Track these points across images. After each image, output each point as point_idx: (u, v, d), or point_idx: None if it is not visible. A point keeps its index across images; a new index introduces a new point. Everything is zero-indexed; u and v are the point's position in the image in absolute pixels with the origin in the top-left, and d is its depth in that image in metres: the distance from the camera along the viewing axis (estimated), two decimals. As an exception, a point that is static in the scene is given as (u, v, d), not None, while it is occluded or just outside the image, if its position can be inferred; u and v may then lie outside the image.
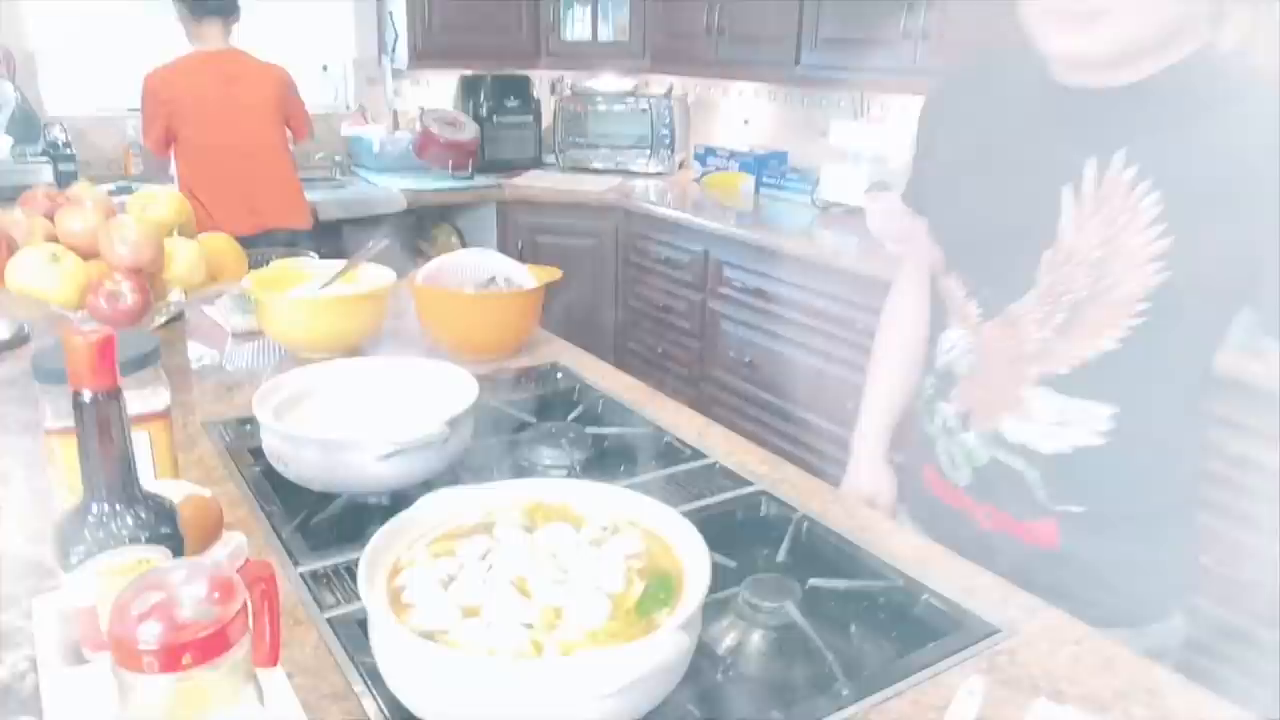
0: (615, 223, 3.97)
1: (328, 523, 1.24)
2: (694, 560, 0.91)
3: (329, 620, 1.00)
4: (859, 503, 1.36)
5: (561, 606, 0.84)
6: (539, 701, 0.75)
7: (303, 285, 1.81)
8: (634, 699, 0.78)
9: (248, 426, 1.46)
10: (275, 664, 0.81)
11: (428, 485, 1.15)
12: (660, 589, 0.87)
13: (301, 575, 1.09)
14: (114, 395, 0.79)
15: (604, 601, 0.84)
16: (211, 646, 0.67)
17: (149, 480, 1.12)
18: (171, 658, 0.65)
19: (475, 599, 0.85)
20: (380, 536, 0.92)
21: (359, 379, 1.41)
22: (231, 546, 0.81)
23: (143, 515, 0.83)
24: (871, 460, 1.48)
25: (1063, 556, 1.16)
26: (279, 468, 1.24)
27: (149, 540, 0.83)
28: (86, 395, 0.78)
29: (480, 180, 4.22)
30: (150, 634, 0.65)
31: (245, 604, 0.72)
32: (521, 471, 1.39)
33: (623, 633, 0.82)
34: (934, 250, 1.25)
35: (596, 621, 0.82)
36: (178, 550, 0.85)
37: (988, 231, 1.14)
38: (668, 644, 0.77)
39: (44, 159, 3.49)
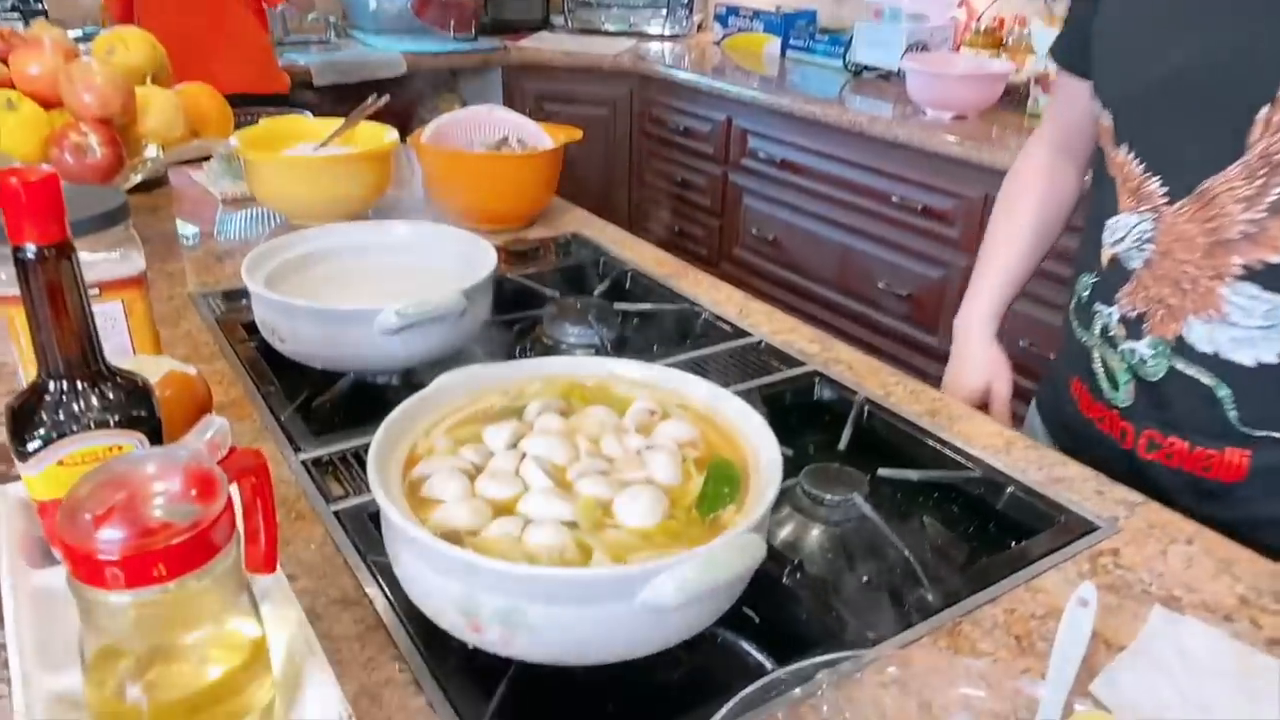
0: (629, 89, 3.72)
1: (332, 405, 1.11)
2: (759, 448, 0.77)
3: (336, 514, 0.89)
4: (962, 398, 1.20)
5: (609, 501, 0.72)
6: (589, 618, 0.63)
7: (296, 146, 1.63)
8: (699, 614, 0.67)
9: (244, 300, 1.31)
10: (273, 569, 0.69)
11: (441, 366, 1.02)
12: (722, 482, 0.75)
13: (304, 463, 0.97)
14: (63, 251, 0.64)
15: (658, 496, 0.72)
16: (191, 554, 0.55)
17: (126, 356, 0.98)
18: (140, 569, 0.53)
19: (507, 492, 0.72)
20: (394, 420, 0.78)
21: (363, 244, 1.26)
22: (211, 431, 0.68)
23: (110, 395, 0.69)
24: (983, 345, 1.27)
25: (1250, 494, 0.97)
26: (275, 343, 1.11)
27: (120, 424, 0.70)
28: (29, 251, 0.63)
29: (484, 43, 3.94)
30: (111, 540, 0.52)
31: (231, 501, 0.59)
32: (546, 352, 1.25)
33: (683, 534, 0.69)
34: (1100, 117, 1.03)
35: (651, 519, 0.70)
36: (155, 436, 0.71)
37: (1180, 88, 0.91)
38: (740, 549, 0.65)
39: (14, 14, 3.24)
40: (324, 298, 1.12)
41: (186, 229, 1.62)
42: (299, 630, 0.69)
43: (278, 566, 0.70)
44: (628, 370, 0.90)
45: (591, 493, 0.72)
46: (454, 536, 0.68)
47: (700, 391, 0.87)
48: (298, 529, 0.87)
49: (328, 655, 0.68)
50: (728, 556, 0.64)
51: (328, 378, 1.13)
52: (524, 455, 0.77)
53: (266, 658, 0.63)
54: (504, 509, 0.71)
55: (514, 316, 1.31)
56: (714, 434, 0.82)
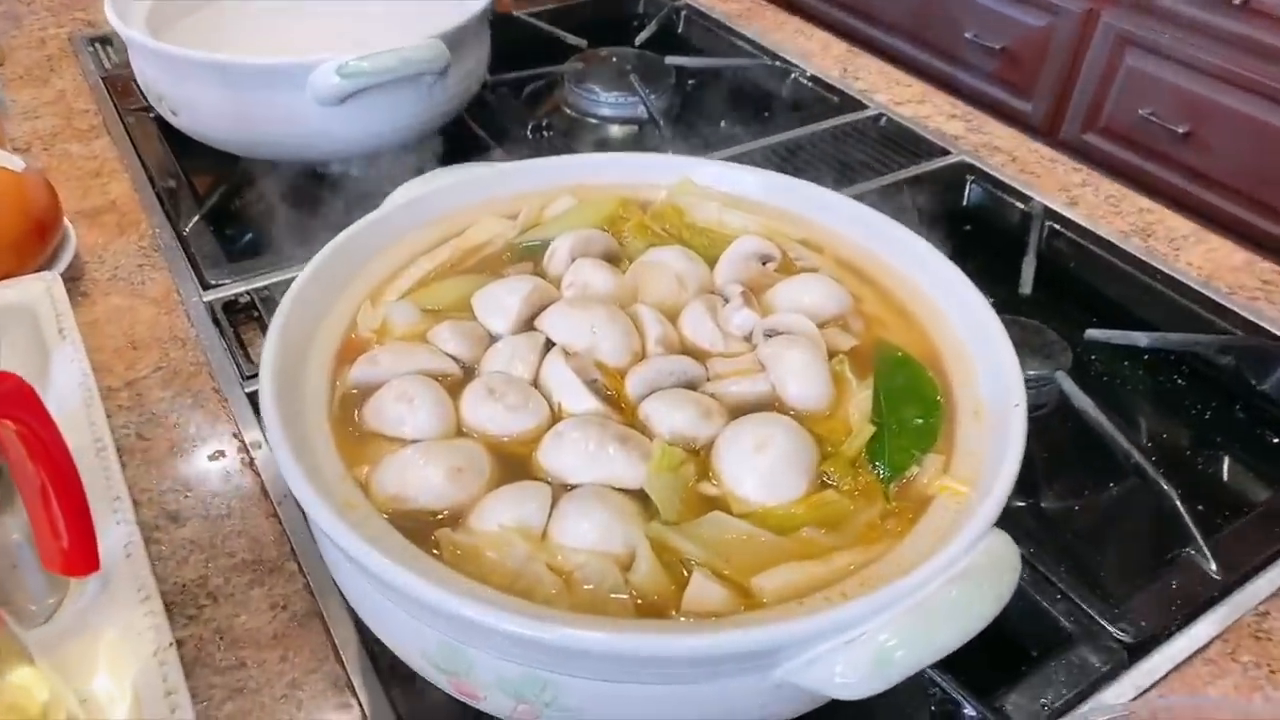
0: None
1: (259, 210, 0.76)
2: (960, 329, 0.44)
3: (252, 396, 0.56)
4: None
5: (709, 443, 0.39)
6: (692, 699, 0.33)
7: None
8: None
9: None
10: (90, 568, 0.37)
11: (412, 157, 0.66)
12: (906, 402, 0.41)
13: (210, 308, 0.63)
14: None
15: (798, 438, 0.38)
16: None
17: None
18: None
19: (517, 424, 0.39)
20: (317, 272, 0.44)
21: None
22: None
23: None
24: None
25: None
26: (167, 116, 0.74)
27: None
28: None
29: None
30: None
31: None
32: (571, 132, 0.87)
33: (851, 520, 0.37)
34: None
35: (789, 486, 0.37)
36: None
37: None
38: (988, 575, 0.33)
39: None
40: (234, 46, 0.74)
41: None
42: (153, 665, 0.39)
43: (99, 564, 0.38)
44: (713, 174, 0.54)
45: (674, 427, 0.39)
46: (419, 526, 0.36)
47: (844, 217, 0.51)
48: (193, 426, 0.55)
49: (223, 679, 0.38)
50: (965, 598, 0.32)
51: (255, 169, 0.77)
52: (545, 343, 0.43)
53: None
54: (513, 460, 0.39)
55: (521, 76, 0.92)
56: (873, 299, 0.48)
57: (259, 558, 0.48)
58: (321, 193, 0.76)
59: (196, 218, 0.72)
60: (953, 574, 0.33)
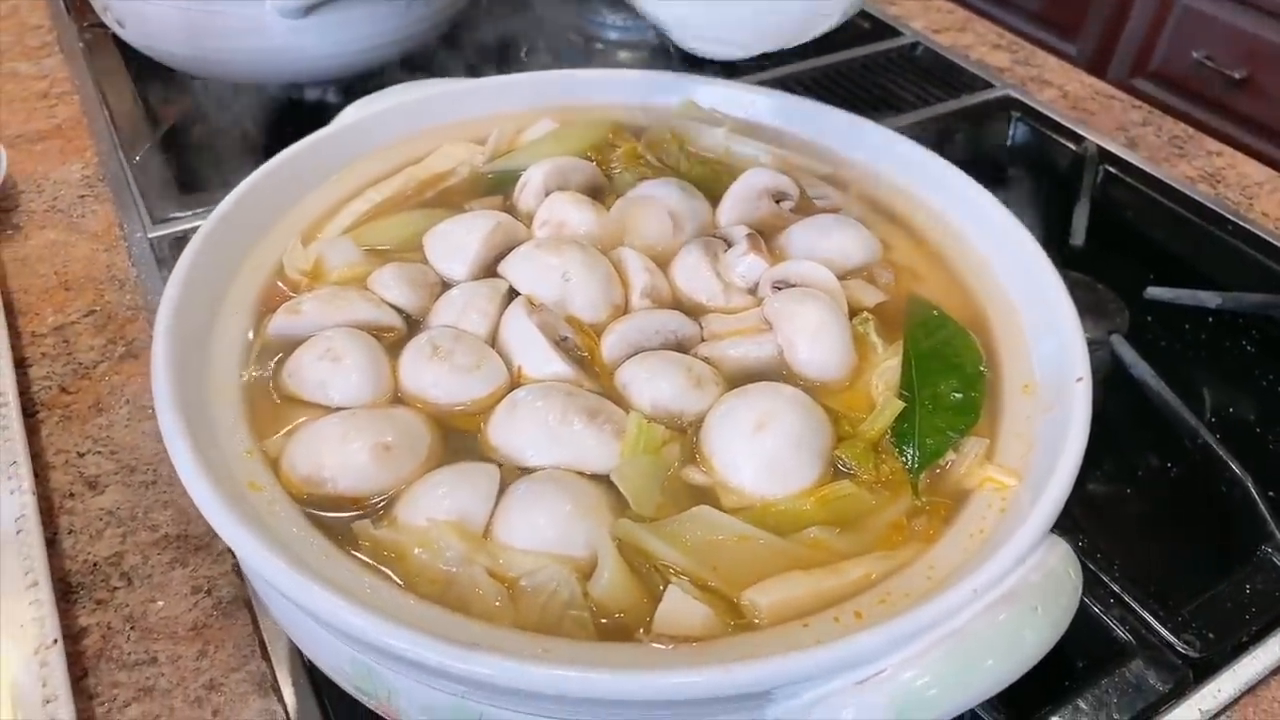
0: None
1: (224, 140, 0.68)
2: (1021, 286, 0.36)
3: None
4: None
5: (697, 420, 0.32)
6: None
7: None
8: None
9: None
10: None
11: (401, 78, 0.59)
12: (942, 373, 0.34)
13: (152, 245, 0.56)
14: None
15: (808, 413, 0.31)
16: None
17: None
18: None
19: (468, 390, 0.32)
20: (230, 207, 0.37)
21: None
22: None
23: None
24: None
25: None
26: (114, 28, 0.66)
27: None
28: None
29: None
30: None
31: None
32: (575, 59, 0.79)
33: (870, 519, 0.30)
34: None
35: (796, 475, 0.30)
36: None
37: None
38: (1040, 601, 0.26)
39: None
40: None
41: None
42: (33, 665, 0.33)
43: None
44: (721, 95, 0.46)
45: (657, 398, 0.32)
46: (337, 516, 0.29)
47: (874, 148, 0.43)
48: (123, 378, 0.49)
49: (130, 677, 0.32)
50: (1014, 626, 0.25)
51: (225, 95, 0.70)
52: (508, 293, 0.36)
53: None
54: (460, 437, 0.32)
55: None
56: (906, 248, 0.40)
57: (184, 533, 0.42)
58: (298, 121, 0.69)
59: (148, 145, 0.64)
60: (999, 594, 0.26)
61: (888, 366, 0.34)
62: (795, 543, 0.29)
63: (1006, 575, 0.26)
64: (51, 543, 0.41)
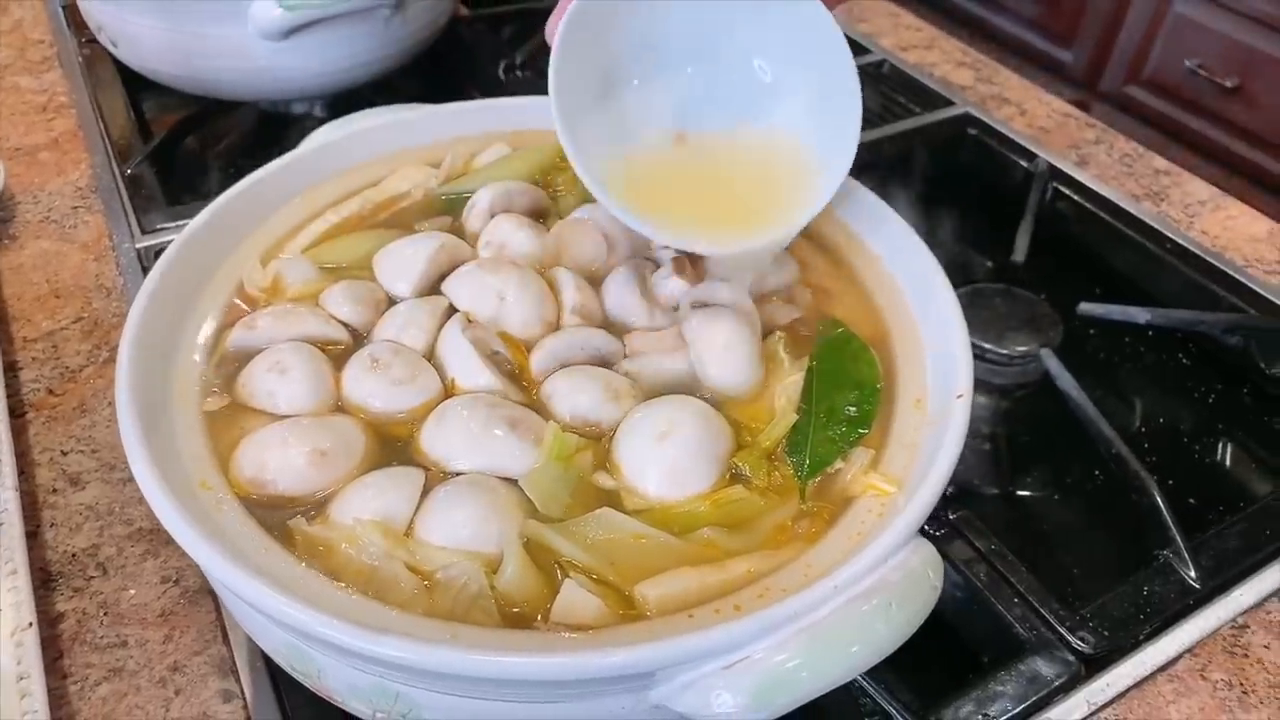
0: None
1: (214, 154, 0.72)
2: (913, 307, 0.39)
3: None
4: None
5: (611, 430, 0.35)
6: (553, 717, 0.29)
7: None
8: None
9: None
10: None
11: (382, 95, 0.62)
12: (839, 387, 0.37)
13: (142, 255, 0.60)
14: None
15: (709, 423, 0.34)
16: None
17: None
18: None
19: (401, 400, 0.36)
20: (199, 227, 0.40)
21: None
22: None
23: None
24: None
25: None
26: (109, 47, 0.70)
27: None
28: None
29: None
30: None
31: None
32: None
33: (759, 521, 0.33)
34: None
35: (694, 480, 0.33)
36: None
37: None
38: (901, 597, 0.29)
39: None
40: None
41: None
42: (9, 646, 0.36)
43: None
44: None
45: (576, 409, 0.35)
46: (278, 515, 0.32)
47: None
48: (106, 382, 0.52)
49: (101, 658, 0.35)
50: (871, 619, 0.28)
51: (216, 110, 0.73)
52: (448, 309, 0.39)
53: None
54: (395, 443, 0.35)
55: (499, 12, 0.87)
56: (824, 269, 0.43)
57: (157, 526, 0.45)
58: (285, 135, 0.72)
59: (140, 158, 0.68)
60: (859, 590, 0.29)
61: (791, 381, 0.37)
62: (689, 542, 0.32)
63: (869, 573, 0.29)
64: (34, 535, 0.44)
